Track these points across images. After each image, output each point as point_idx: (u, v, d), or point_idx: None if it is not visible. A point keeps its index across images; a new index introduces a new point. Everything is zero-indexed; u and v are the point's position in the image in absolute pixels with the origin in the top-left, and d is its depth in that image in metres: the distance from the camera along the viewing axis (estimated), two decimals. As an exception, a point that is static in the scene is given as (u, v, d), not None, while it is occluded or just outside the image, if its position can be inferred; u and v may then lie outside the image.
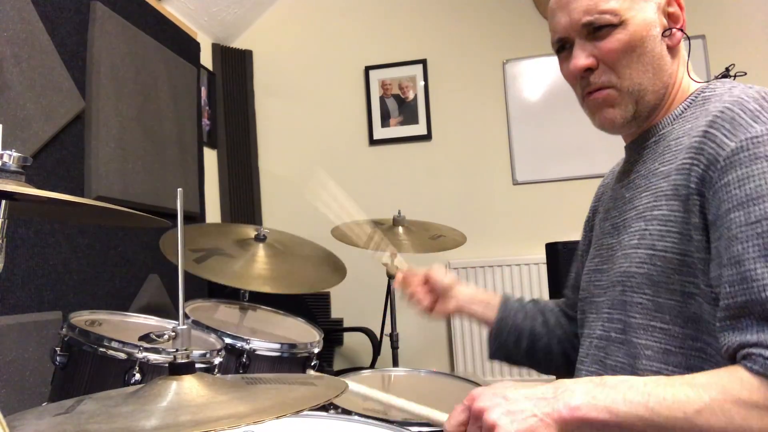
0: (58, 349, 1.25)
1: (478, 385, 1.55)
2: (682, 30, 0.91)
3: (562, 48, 0.95)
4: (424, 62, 3.28)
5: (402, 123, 3.30)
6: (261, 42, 3.46)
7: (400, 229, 2.32)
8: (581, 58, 0.91)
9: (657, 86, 0.91)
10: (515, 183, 3.19)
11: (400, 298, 1.26)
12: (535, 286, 3.03)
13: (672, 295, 0.83)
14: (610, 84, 0.91)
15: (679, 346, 0.83)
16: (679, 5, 0.92)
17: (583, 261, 1.16)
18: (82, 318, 1.34)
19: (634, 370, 0.87)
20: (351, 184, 3.33)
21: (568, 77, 0.96)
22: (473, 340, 3.05)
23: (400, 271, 1.27)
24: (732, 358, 0.72)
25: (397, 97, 3.31)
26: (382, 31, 3.36)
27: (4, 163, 0.74)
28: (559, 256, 2.29)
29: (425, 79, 3.28)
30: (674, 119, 0.92)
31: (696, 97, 0.91)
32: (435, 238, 2.30)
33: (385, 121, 3.31)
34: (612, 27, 0.88)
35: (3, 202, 0.73)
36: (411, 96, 3.30)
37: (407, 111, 3.30)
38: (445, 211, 3.12)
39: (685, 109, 0.91)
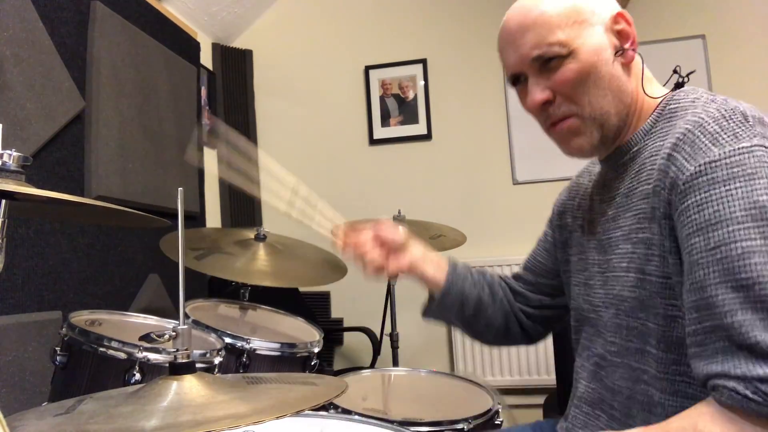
0: (58, 349, 1.26)
1: (478, 385, 1.55)
2: (633, 48, 0.91)
3: (518, 81, 0.95)
4: (424, 62, 3.28)
5: (402, 123, 3.30)
6: (261, 42, 3.46)
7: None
8: (537, 93, 0.91)
9: (619, 108, 0.90)
10: (515, 183, 3.19)
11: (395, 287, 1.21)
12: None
13: (657, 319, 0.84)
14: (571, 113, 0.90)
15: (664, 371, 0.83)
16: (627, 21, 0.91)
17: (550, 251, 1.17)
18: (82, 318, 1.34)
19: (632, 393, 0.88)
20: (351, 184, 3.35)
21: (529, 111, 0.96)
22: (473, 340, 3.05)
23: (339, 231, 1.15)
24: (703, 386, 0.73)
25: (397, 96, 3.31)
26: (382, 31, 3.36)
27: (4, 163, 0.74)
28: (559, 256, 2.28)
29: (425, 78, 3.28)
30: (645, 134, 0.91)
31: (663, 110, 0.90)
32: (435, 238, 2.30)
33: (385, 121, 3.31)
34: (562, 58, 0.88)
35: (3, 201, 0.73)
36: (411, 96, 3.30)
37: (407, 111, 3.30)
38: (445, 211, 3.11)
39: (654, 123, 0.90)
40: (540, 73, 0.91)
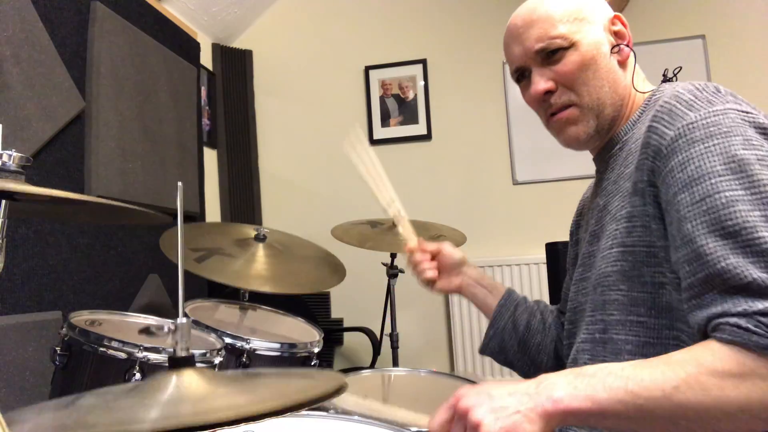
0: (58, 348, 1.25)
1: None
2: (628, 46, 0.98)
3: (522, 77, 1.02)
4: (424, 62, 3.28)
5: (402, 123, 3.30)
6: (261, 42, 3.46)
7: (401, 229, 2.32)
8: (540, 83, 0.97)
9: (614, 99, 0.97)
10: (515, 183, 3.19)
11: (408, 271, 1.26)
12: (535, 286, 3.03)
13: (644, 288, 0.86)
14: (571, 102, 0.97)
15: (656, 336, 0.85)
16: (623, 23, 0.99)
17: (571, 274, 1.17)
18: (82, 318, 1.34)
19: None
20: (351, 184, 3.34)
21: (530, 103, 1.03)
22: (473, 340, 3.05)
23: (410, 242, 1.28)
24: (704, 334, 0.73)
25: (397, 96, 3.31)
26: (382, 31, 3.36)
27: (4, 163, 0.74)
28: (559, 256, 2.29)
29: (425, 79, 3.28)
30: (632, 125, 0.97)
31: (648, 101, 0.97)
32: (435, 238, 2.30)
33: (385, 121, 3.32)
34: (564, 50, 0.95)
35: (3, 201, 0.73)
36: (411, 96, 3.30)
37: (407, 111, 3.30)
38: (445, 211, 3.11)
39: (641, 114, 0.96)
40: (543, 65, 0.97)
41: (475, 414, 0.71)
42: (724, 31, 3.03)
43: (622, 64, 0.98)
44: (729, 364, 0.68)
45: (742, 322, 0.68)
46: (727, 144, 0.76)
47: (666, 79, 1.01)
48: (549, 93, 0.97)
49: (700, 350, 0.71)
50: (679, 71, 1.03)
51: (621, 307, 0.88)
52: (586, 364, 0.94)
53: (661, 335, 0.84)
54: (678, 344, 0.82)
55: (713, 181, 0.75)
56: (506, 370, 3.01)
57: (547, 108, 1.00)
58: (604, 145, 1.01)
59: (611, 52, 0.97)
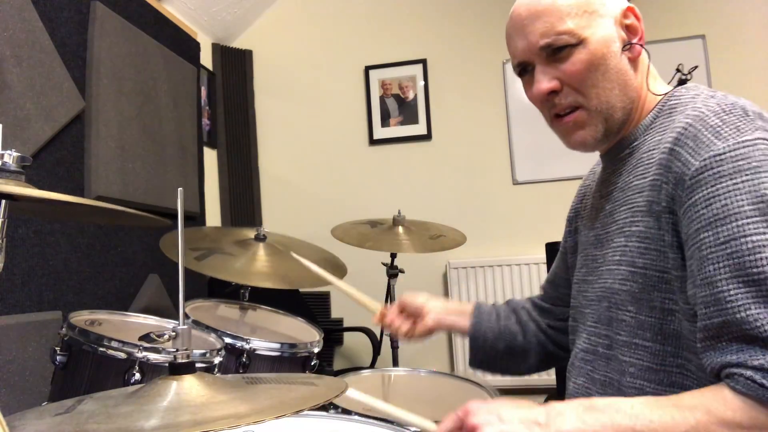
0: (58, 348, 1.25)
1: (478, 385, 1.55)
2: (641, 44, 0.90)
3: (524, 71, 0.94)
4: (424, 62, 3.28)
5: (402, 123, 3.30)
6: (261, 42, 3.46)
7: (400, 229, 2.32)
8: (544, 82, 0.89)
9: (625, 102, 0.90)
10: (515, 183, 3.19)
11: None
12: (535, 286, 3.03)
13: (652, 312, 0.84)
14: (577, 104, 0.90)
15: (660, 363, 0.83)
16: (636, 16, 0.91)
17: (564, 260, 1.17)
18: (82, 318, 1.34)
19: (620, 386, 0.88)
20: (351, 184, 3.35)
21: (533, 100, 0.95)
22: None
23: (375, 311, 1.28)
24: (716, 376, 0.73)
25: (397, 96, 3.31)
26: (382, 31, 3.36)
27: (4, 163, 0.74)
28: (559, 256, 2.29)
29: (425, 79, 3.28)
30: (645, 130, 0.91)
31: (663, 106, 0.90)
32: (435, 238, 2.30)
33: (385, 121, 3.31)
34: (571, 47, 0.87)
35: (3, 202, 0.73)
36: (411, 96, 3.30)
37: (407, 111, 3.30)
38: (445, 211, 3.11)
39: (654, 119, 0.90)
40: (548, 63, 0.89)
41: None
42: (724, 31, 3.03)
43: (633, 61, 0.90)
44: (740, 416, 0.67)
45: (758, 376, 0.67)
46: (757, 182, 0.72)
47: (681, 80, 0.94)
48: (553, 93, 0.90)
49: (711, 397, 0.70)
50: (695, 69, 0.95)
51: (628, 328, 0.86)
52: (588, 375, 0.95)
53: (666, 362, 0.83)
54: (682, 372, 0.81)
55: (740, 222, 0.71)
56: (506, 370, 3.01)
57: (551, 107, 0.92)
58: (614, 146, 0.96)
59: (622, 50, 0.88)
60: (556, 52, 0.88)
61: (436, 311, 1.21)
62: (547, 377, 2.91)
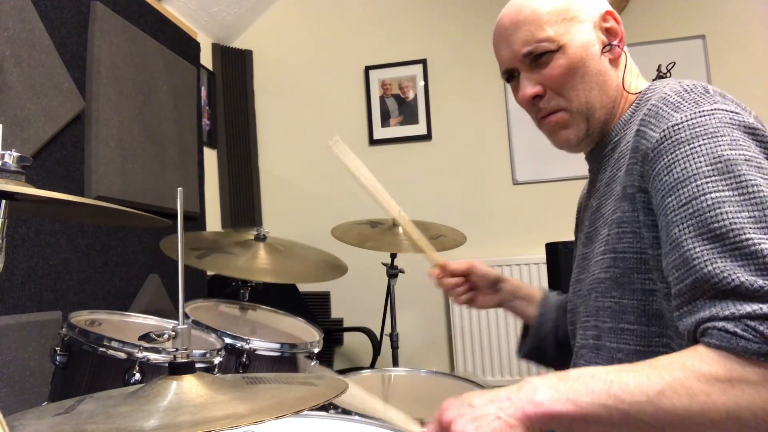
0: (58, 349, 1.25)
1: (478, 385, 1.55)
2: (619, 45, 0.95)
3: (511, 77, 1.00)
4: (424, 62, 3.28)
5: (402, 123, 3.30)
6: (261, 42, 3.46)
7: (400, 229, 2.32)
8: (528, 88, 0.95)
9: (605, 101, 0.94)
10: (515, 183, 3.19)
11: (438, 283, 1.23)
12: (535, 286, 3.03)
13: (634, 295, 0.85)
14: (560, 107, 0.95)
15: (646, 345, 0.84)
16: (615, 19, 0.95)
17: None
18: (82, 318, 1.34)
19: None
20: (351, 185, 3.33)
21: (520, 104, 1.00)
22: (473, 340, 3.05)
23: (435, 262, 1.26)
24: (693, 341, 0.71)
25: (397, 97, 3.31)
26: (382, 31, 3.36)
27: (4, 163, 0.74)
28: (559, 256, 2.29)
29: (425, 79, 3.28)
30: (624, 125, 0.95)
31: (640, 100, 0.94)
32: (435, 238, 2.30)
33: (385, 121, 3.31)
34: (551, 53, 0.92)
35: (3, 202, 0.73)
36: (411, 96, 3.30)
37: (407, 111, 3.30)
38: (445, 211, 3.12)
39: (632, 113, 0.94)
40: (531, 69, 0.95)
41: (457, 426, 0.70)
42: (724, 31, 3.03)
43: (614, 62, 0.95)
44: (716, 368, 0.65)
45: (730, 326, 0.66)
46: (713, 145, 0.74)
47: (659, 76, 0.99)
48: (538, 97, 0.95)
49: (687, 355, 0.69)
50: (673, 66, 1.01)
51: (613, 314, 0.88)
52: (593, 365, 0.94)
53: (651, 343, 0.83)
54: (668, 352, 0.80)
55: (699, 182, 0.73)
56: (506, 368, 3.01)
57: (537, 111, 0.98)
58: (596, 146, 1.00)
59: (602, 52, 0.93)
60: (538, 58, 0.93)
61: (507, 291, 1.23)
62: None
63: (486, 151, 3.23)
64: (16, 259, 1.68)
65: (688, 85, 0.83)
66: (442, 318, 3.19)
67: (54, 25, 1.88)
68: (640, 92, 0.95)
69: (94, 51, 2.05)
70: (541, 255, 2.59)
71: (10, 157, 0.75)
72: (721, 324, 0.67)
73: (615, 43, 0.94)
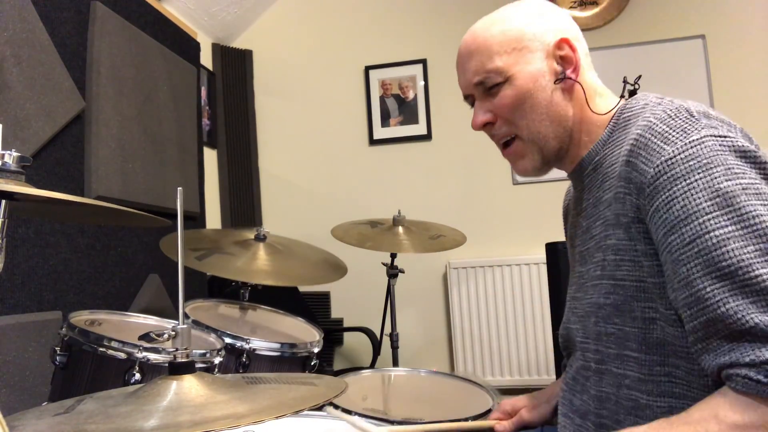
0: (58, 349, 1.25)
1: (478, 385, 1.55)
2: (575, 73, 0.94)
3: (471, 102, 1.03)
4: (424, 62, 3.28)
5: (402, 123, 3.30)
6: (261, 42, 3.46)
7: (400, 229, 2.32)
8: (479, 115, 0.98)
9: (558, 132, 0.95)
10: (515, 183, 3.19)
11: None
12: (535, 286, 3.03)
13: (635, 323, 0.85)
14: (510, 134, 0.97)
15: (648, 373, 0.84)
16: (571, 47, 0.94)
17: None
18: (82, 318, 1.34)
19: (617, 399, 0.88)
20: (351, 184, 3.35)
21: (475, 130, 1.03)
22: (473, 340, 3.05)
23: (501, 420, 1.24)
24: (717, 378, 0.73)
25: (397, 96, 3.31)
26: (382, 31, 3.36)
27: (4, 163, 0.74)
28: (559, 256, 2.28)
29: (425, 79, 3.28)
30: (603, 145, 0.94)
31: (618, 119, 0.93)
32: (435, 238, 2.30)
33: (385, 121, 3.31)
34: (500, 84, 0.94)
35: (3, 202, 0.73)
36: (411, 96, 3.30)
37: (407, 111, 3.30)
38: (445, 211, 3.12)
39: (611, 133, 0.93)
40: (483, 97, 0.98)
41: None
42: (724, 31, 3.03)
43: (568, 91, 0.94)
44: (749, 417, 0.68)
45: (752, 373, 0.68)
46: (709, 178, 0.74)
47: (628, 90, 0.97)
48: (490, 124, 0.98)
49: (717, 404, 0.71)
50: (639, 79, 0.99)
51: (617, 341, 0.88)
52: (587, 391, 0.95)
53: (653, 372, 0.83)
54: (670, 380, 0.82)
55: (701, 220, 0.73)
56: (506, 370, 3.01)
57: (491, 137, 1.01)
58: (577, 165, 0.99)
59: (554, 83, 0.93)
60: (489, 88, 0.96)
61: (532, 406, 1.21)
62: (547, 377, 2.92)
63: (486, 151, 3.22)
64: (16, 259, 1.68)
65: (671, 111, 0.83)
66: (442, 318, 3.19)
67: (54, 25, 1.88)
68: (611, 111, 0.94)
69: (94, 51, 2.05)
70: (541, 255, 2.58)
71: (10, 157, 0.75)
72: (744, 372, 0.69)
73: (569, 72, 0.93)
